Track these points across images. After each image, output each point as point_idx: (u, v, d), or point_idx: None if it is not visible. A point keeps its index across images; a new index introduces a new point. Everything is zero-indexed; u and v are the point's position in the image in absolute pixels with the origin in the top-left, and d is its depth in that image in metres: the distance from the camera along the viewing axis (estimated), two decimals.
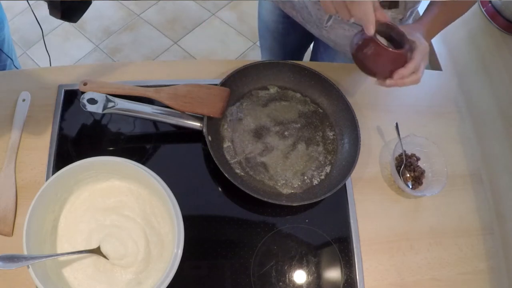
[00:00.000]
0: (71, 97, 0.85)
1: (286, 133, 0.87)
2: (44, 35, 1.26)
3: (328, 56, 1.11)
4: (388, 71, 0.70)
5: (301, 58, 1.33)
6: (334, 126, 0.89)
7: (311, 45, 1.27)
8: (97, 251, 0.69)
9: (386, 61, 0.70)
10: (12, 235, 0.73)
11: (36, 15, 1.12)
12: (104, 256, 0.69)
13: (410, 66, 0.70)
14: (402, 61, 0.70)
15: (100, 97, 0.78)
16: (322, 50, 1.13)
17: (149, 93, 0.83)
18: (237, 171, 0.82)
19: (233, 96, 0.87)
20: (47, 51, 1.31)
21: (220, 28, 2.19)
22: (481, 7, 1.14)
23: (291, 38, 1.20)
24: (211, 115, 0.81)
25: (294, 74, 0.91)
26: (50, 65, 1.39)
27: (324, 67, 0.94)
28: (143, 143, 0.85)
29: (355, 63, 0.74)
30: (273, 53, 1.29)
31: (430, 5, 0.83)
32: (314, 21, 0.95)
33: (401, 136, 0.86)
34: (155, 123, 0.85)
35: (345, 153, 0.85)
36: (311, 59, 1.27)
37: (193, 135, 0.83)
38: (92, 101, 0.78)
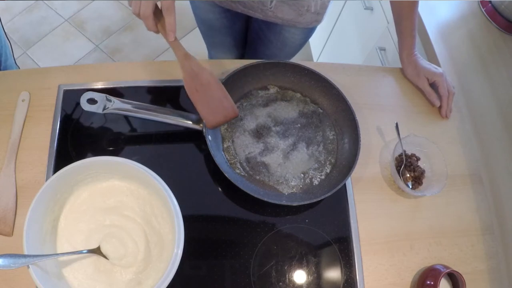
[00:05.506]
0: (71, 97, 0.85)
1: (286, 133, 0.87)
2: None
3: (275, 33, 1.11)
4: None
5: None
6: (334, 126, 0.89)
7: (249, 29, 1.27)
8: (97, 251, 0.69)
9: None
10: (12, 235, 0.73)
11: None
12: (104, 256, 0.69)
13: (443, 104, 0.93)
14: None
15: (100, 97, 0.78)
16: (265, 28, 1.13)
17: (180, 53, 0.73)
18: (237, 171, 0.82)
19: (233, 96, 0.87)
20: (7, 37, 1.18)
21: None
22: (481, 7, 1.14)
23: (238, 26, 1.21)
24: (204, 120, 0.78)
25: (294, 74, 0.91)
26: (12, 52, 1.27)
27: (324, 67, 0.94)
28: (143, 143, 0.85)
29: None
30: (226, 47, 1.28)
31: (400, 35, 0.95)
32: (258, 6, 0.96)
33: (401, 136, 0.86)
34: (155, 123, 0.85)
35: (345, 153, 0.85)
36: (253, 40, 1.25)
37: (193, 135, 0.83)
38: (92, 101, 0.78)
